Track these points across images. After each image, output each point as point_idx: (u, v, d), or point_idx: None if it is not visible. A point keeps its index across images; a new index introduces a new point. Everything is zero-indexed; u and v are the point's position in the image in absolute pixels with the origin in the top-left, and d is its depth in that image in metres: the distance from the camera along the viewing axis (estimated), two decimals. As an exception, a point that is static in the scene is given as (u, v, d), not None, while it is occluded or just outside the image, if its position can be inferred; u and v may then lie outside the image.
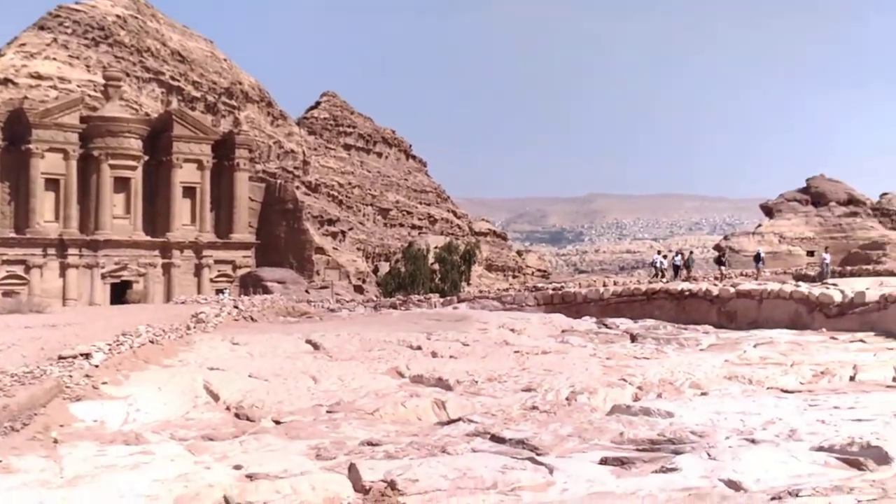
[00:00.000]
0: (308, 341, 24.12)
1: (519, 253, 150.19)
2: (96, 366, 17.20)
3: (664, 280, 40.29)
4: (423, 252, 74.70)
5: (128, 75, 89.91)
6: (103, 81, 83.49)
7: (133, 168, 78.45)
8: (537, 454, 12.18)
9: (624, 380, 17.93)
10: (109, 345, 19.09)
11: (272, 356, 21.65)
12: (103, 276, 76.36)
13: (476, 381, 18.13)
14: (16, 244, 72.75)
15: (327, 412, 15.97)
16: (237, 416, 15.83)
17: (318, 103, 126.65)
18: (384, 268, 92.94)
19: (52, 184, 75.42)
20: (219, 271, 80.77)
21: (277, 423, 15.21)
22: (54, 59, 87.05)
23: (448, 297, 41.89)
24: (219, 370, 19.01)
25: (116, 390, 16.65)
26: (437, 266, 71.92)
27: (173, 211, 79.65)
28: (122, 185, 78.24)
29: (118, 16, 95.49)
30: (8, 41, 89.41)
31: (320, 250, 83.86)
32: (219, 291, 74.01)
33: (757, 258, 60.10)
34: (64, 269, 74.84)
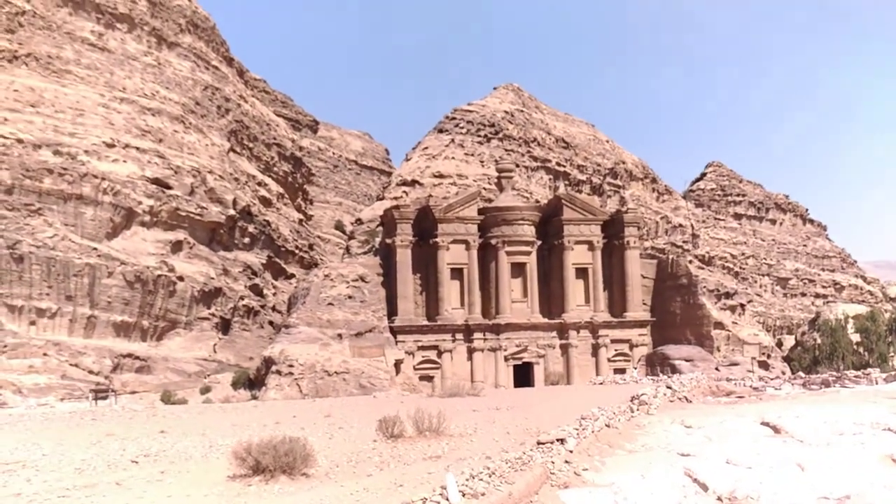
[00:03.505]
0: (765, 423, 22.33)
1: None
2: (570, 451, 16.91)
3: None
4: (841, 323, 68.55)
5: (517, 166, 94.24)
6: (496, 174, 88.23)
7: (527, 253, 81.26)
8: None
9: None
10: (577, 429, 18.78)
11: (733, 439, 20.22)
12: (506, 359, 79.11)
13: None
14: (428, 331, 77.89)
15: (837, 506, 14.21)
16: (733, 507, 14.60)
17: (703, 174, 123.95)
18: (788, 340, 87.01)
19: (456, 273, 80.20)
20: (615, 350, 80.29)
21: (782, 516, 13.76)
22: (452, 157, 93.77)
23: (893, 373, 37.44)
24: (690, 456, 17.94)
25: (598, 477, 16.21)
26: (856, 336, 65.55)
27: (567, 292, 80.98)
28: (517, 270, 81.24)
29: (506, 111, 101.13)
30: (413, 146, 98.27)
31: (719, 325, 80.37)
32: (618, 371, 73.30)
33: None
34: (470, 352, 78.61)
